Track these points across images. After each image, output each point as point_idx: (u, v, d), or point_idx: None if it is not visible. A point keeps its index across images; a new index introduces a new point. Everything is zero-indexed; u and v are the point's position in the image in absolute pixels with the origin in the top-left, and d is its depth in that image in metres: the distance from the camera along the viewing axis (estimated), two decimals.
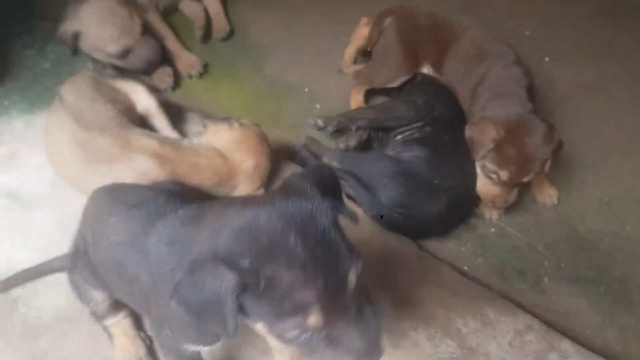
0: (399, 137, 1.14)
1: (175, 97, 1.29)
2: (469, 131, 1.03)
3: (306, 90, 1.29)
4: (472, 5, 1.41)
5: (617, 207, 1.12)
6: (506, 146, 0.99)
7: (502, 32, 1.34)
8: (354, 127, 1.15)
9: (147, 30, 1.28)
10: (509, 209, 1.09)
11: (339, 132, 1.16)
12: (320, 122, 1.16)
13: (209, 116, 1.19)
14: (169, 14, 1.43)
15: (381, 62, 1.22)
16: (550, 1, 1.45)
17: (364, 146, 1.16)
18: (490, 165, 1.01)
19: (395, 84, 1.21)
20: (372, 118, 1.16)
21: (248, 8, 1.42)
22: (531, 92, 1.06)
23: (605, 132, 1.22)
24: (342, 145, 1.13)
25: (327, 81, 1.30)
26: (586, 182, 1.15)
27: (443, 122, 1.12)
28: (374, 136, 1.17)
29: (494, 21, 1.36)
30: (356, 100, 1.24)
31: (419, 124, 1.12)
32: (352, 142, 1.14)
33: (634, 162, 1.18)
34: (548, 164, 1.01)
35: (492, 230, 1.09)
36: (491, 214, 1.09)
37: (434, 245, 1.06)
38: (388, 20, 1.22)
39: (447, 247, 1.07)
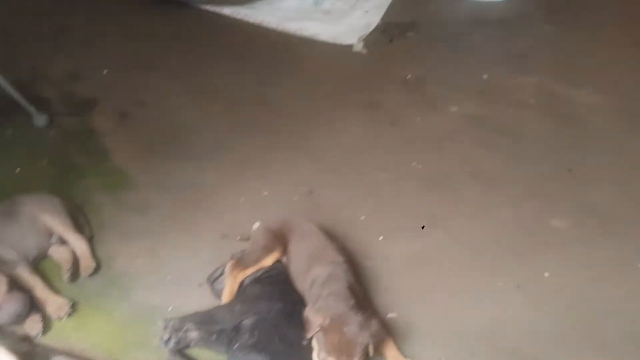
0: (235, 344, 1.24)
1: (46, 339, 1.36)
2: (305, 316, 1.18)
3: (170, 309, 1.39)
4: (314, 204, 1.60)
5: None
6: (330, 333, 1.14)
7: (339, 222, 1.53)
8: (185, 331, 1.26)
9: (15, 284, 1.38)
10: None
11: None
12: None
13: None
14: (39, 261, 1.54)
15: (252, 245, 1.38)
16: (380, 185, 1.67)
17: None
18: (321, 353, 1.14)
19: (268, 261, 1.35)
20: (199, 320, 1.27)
21: (113, 241, 1.55)
22: (353, 289, 1.24)
23: (439, 298, 1.37)
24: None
25: (189, 297, 1.41)
26: (426, 347, 1.27)
27: (275, 321, 1.24)
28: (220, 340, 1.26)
29: (330, 215, 1.54)
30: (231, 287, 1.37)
31: (247, 328, 1.24)
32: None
33: (467, 325, 1.31)
34: (371, 348, 1.15)
35: None
36: None
37: None
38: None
39: None
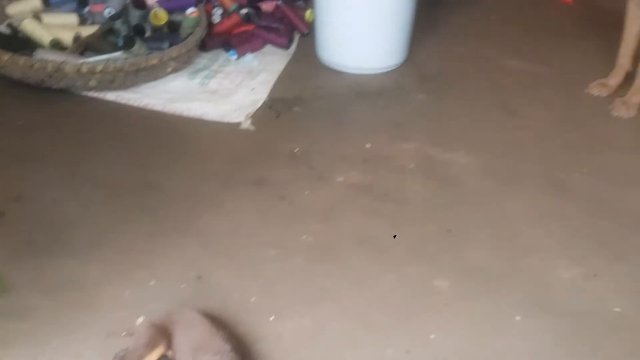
0: None
1: None
2: None
3: None
4: (202, 290, 1.59)
5: None
6: None
7: (230, 306, 1.53)
8: None
9: None
10: None
11: None
12: None
13: None
14: None
15: (135, 342, 1.34)
16: (270, 262, 1.69)
17: None
18: None
19: (153, 358, 1.32)
20: None
21: None
22: None
23: None
24: None
25: None
26: None
27: None
28: None
29: (220, 299, 1.54)
30: None
31: None
32: None
33: None
34: None
35: None
36: None
37: None
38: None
39: None
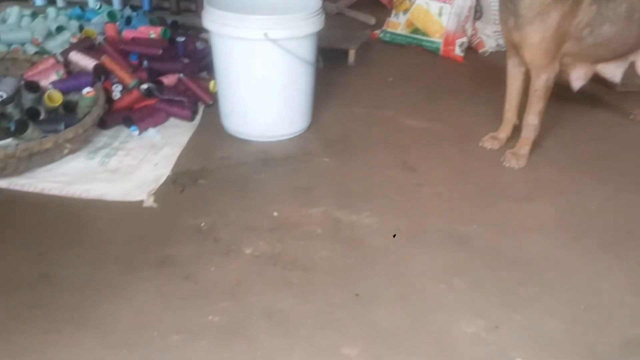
0: None
1: None
2: None
3: None
4: None
5: None
6: None
7: None
8: None
9: None
10: None
11: None
12: None
13: None
14: None
15: None
16: (173, 349, 1.65)
17: None
18: None
19: None
20: None
21: None
22: None
23: None
24: None
25: None
26: None
27: None
28: None
29: None
30: None
31: None
32: None
33: None
34: None
35: None
36: None
37: None
38: None
39: None
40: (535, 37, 2.37)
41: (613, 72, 2.67)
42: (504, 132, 2.75)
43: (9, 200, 2.27)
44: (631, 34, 2.49)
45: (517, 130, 2.73)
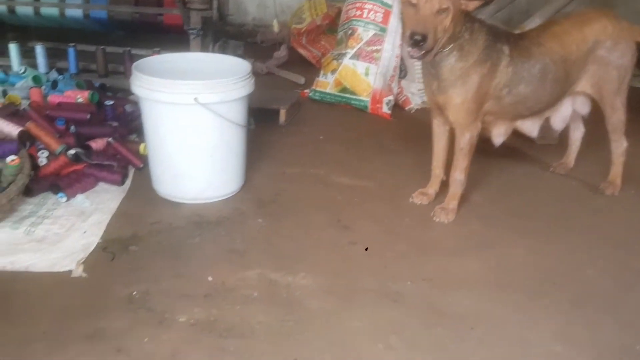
0: None
1: None
2: None
3: None
4: None
5: None
6: None
7: None
8: None
9: None
10: None
11: None
12: None
13: None
14: None
15: None
16: None
17: None
18: None
19: None
20: None
21: None
22: None
23: None
24: None
25: None
26: None
27: None
28: None
29: None
30: None
31: None
32: None
33: None
34: None
35: None
36: None
37: None
38: None
39: None
40: (458, 98, 2.51)
41: (530, 127, 2.84)
42: (433, 187, 2.85)
43: None
44: (545, 92, 2.68)
45: (445, 185, 2.84)
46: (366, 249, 2.07)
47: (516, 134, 2.94)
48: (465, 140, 2.61)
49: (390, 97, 3.94)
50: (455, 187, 2.72)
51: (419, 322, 2.09)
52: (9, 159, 2.53)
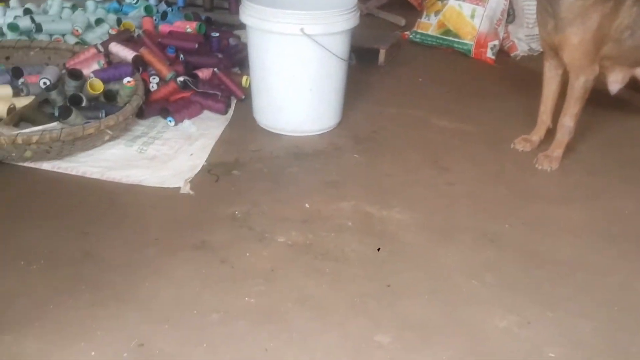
0: None
1: None
2: None
3: None
4: (145, 358, 1.55)
5: None
6: None
7: None
8: None
9: None
10: None
11: None
12: None
13: None
14: None
15: None
16: (213, 326, 1.67)
17: None
18: None
19: None
20: None
21: None
22: None
23: None
24: None
25: None
26: None
27: None
28: None
29: None
30: None
31: None
32: None
33: None
34: None
35: None
36: None
37: None
38: None
39: None
40: (575, 38, 2.38)
41: None
42: (537, 134, 2.76)
43: (52, 182, 2.33)
44: None
45: (550, 133, 2.74)
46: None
47: (631, 85, 2.77)
48: (580, 84, 2.49)
49: (496, 42, 3.80)
50: (563, 134, 2.61)
51: (516, 263, 2.06)
52: (126, 80, 2.67)
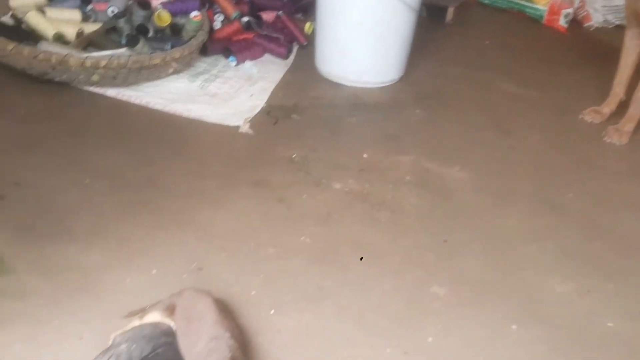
0: None
1: None
2: None
3: None
4: (204, 281, 1.58)
5: None
6: None
7: (230, 298, 1.53)
8: None
9: None
10: None
11: None
12: None
13: None
14: None
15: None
16: (270, 260, 1.69)
17: None
18: None
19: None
20: None
21: None
22: None
23: None
24: None
25: None
26: None
27: None
28: None
29: (221, 291, 1.53)
30: None
31: None
32: None
33: None
34: None
35: None
36: None
37: None
38: None
39: None
40: None
41: None
42: (609, 106, 2.65)
43: (117, 109, 2.36)
44: None
45: (621, 107, 2.63)
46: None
47: None
48: None
49: (570, 10, 3.64)
50: (636, 108, 2.50)
51: (577, 233, 2.00)
52: (193, 14, 2.65)
